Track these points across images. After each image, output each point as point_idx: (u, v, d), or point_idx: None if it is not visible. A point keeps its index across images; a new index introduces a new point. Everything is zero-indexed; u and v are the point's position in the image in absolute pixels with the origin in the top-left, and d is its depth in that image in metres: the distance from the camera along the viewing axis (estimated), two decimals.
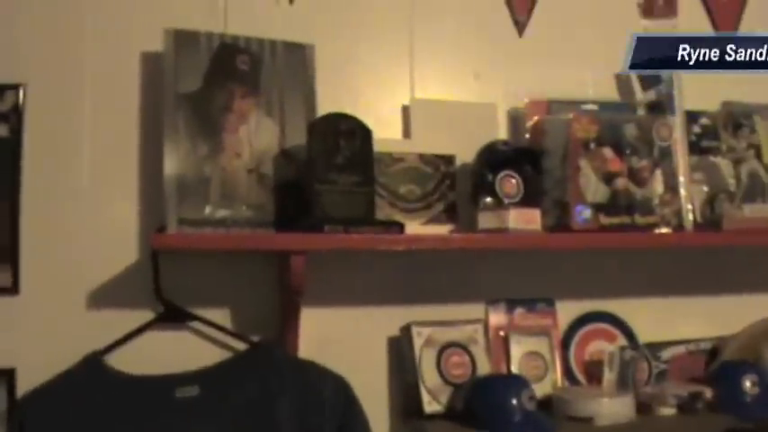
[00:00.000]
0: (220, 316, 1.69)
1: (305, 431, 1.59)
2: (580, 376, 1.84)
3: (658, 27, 1.92)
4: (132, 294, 1.64)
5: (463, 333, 1.74)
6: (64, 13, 1.65)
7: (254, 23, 1.71)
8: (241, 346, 1.67)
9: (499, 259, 1.81)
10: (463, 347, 1.73)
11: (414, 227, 1.70)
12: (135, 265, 1.65)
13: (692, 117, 1.91)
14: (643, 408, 1.71)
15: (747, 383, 1.73)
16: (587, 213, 1.69)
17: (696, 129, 1.91)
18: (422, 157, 1.74)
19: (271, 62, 1.69)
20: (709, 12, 2.01)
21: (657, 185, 1.76)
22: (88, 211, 1.64)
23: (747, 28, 2.03)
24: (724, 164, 1.90)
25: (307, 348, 1.68)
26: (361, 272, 1.75)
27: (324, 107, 1.70)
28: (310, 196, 1.57)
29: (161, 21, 1.62)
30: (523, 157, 1.72)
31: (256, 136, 1.66)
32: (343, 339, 1.73)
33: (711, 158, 1.90)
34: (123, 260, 1.65)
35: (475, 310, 1.80)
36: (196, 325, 1.67)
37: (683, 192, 1.83)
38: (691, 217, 1.82)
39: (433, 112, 1.79)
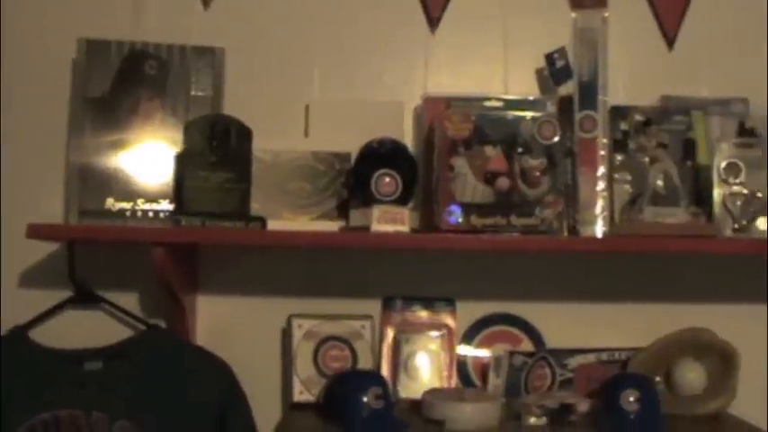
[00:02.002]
0: (131, 300, 1.84)
1: (188, 413, 1.70)
2: (476, 379, 1.81)
3: (588, 18, 1.83)
4: (57, 277, 1.82)
5: (348, 328, 1.77)
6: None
7: (170, 30, 1.83)
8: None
9: (400, 256, 1.82)
10: (345, 342, 1.76)
11: (303, 222, 1.76)
12: (59, 250, 1.84)
13: (621, 112, 1.81)
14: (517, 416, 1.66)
15: (629, 399, 1.62)
16: (457, 214, 1.67)
17: (623, 126, 1.80)
18: (315, 154, 1.79)
19: (180, 66, 1.80)
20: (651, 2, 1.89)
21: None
22: (22, 203, 1.84)
23: (695, 16, 1.88)
24: (668, 163, 1.78)
25: (203, 336, 1.81)
26: (259, 263, 1.83)
27: (232, 108, 1.79)
28: (178, 192, 1.69)
29: (83, 30, 1.78)
30: (401, 156, 1.72)
31: (160, 136, 1.79)
32: (240, 329, 1.83)
33: (639, 158, 1.79)
34: (50, 246, 1.84)
35: (372, 305, 1.82)
36: (106, 306, 1.83)
37: (599, 192, 1.75)
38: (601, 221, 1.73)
39: (333, 111, 1.82)
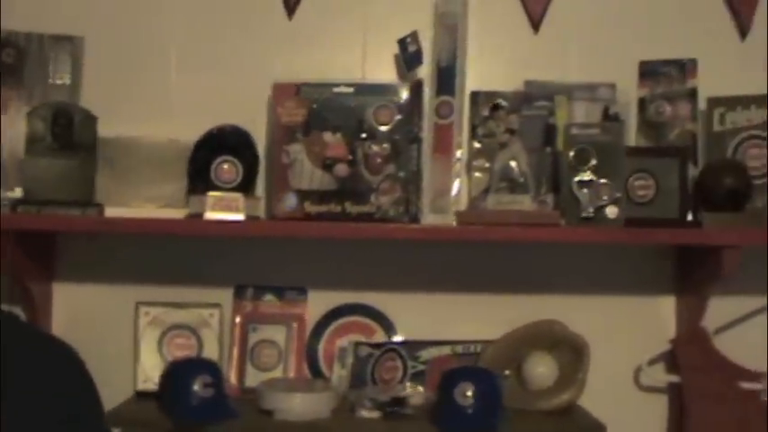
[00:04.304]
0: None
1: (36, 404, 1.69)
2: (326, 370, 1.77)
3: (449, 2, 1.78)
4: None
5: (195, 316, 1.76)
6: None
7: (28, 18, 1.81)
8: None
9: (253, 244, 1.79)
10: (192, 330, 1.75)
11: (150, 210, 1.75)
12: None
13: (482, 98, 1.77)
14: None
15: (465, 393, 1.58)
16: (292, 201, 1.64)
17: (485, 112, 1.76)
18: (166, 141, 1.77)
19: (38, 54, 1.81)
20: None
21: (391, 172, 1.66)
22: None
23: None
24: (516, 149, 1.73)
25: (60, 324, 1.81)
26: (115, 251, 1.81)
27: (91, 95, 1.80)
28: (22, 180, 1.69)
29: None
30: (242, 143, 1.69)
31: (15, 126, 1.79)
32: (95, 316, 1.82)
33: (490, 144, 1.74)
34: None
35: (224, 294, 1.80)
36: None
37: (453, 179, 1.71)
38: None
39: (189, 98, 1.82)
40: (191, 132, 1.75)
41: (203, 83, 1.83)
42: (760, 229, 1.65)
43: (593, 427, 1.60)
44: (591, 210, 1.63)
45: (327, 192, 1.65)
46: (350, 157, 1.66)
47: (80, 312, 1.82)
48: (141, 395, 1.72)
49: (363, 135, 1.67)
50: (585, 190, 1.64)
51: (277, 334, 1.76)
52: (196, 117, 1.77)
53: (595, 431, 1.60)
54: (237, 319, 1.78)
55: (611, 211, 1.63)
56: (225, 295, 1.80)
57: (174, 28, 1.84)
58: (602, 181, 1.63)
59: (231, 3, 1.85)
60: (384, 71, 1.82)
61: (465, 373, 1.62)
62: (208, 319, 1.76)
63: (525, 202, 1.65)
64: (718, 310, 1.77)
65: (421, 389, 1.69)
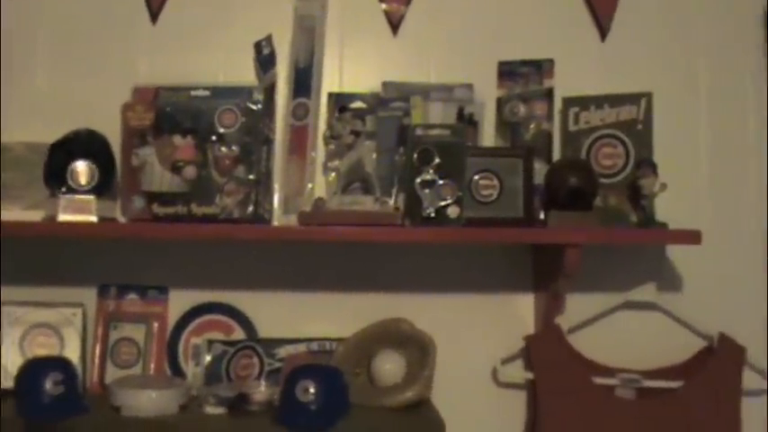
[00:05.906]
0: None
1: None
2: (185, 366, 1.81)
3: (308, 5, 1.82)
4: None
5: (58, 315, 1.79)
6: None
7: None
8: None
9: (120, 245, 1.83)
10: (54, 329, 1.79)
11: (15, 212, 1.78)
12: None
13: (340, 100, 1.80)
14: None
15: (305, 390, 1.60)
16: (139, 203, 1.68)
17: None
18: (30, 145, 1.81)
19: None
20: None
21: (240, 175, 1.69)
22: None
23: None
24: (366, 151, 1.76)
25: None
26: None
27: None
28: None
29: None
30: (97, 147, 1.73)
31: None
32: None
33: (340, 145, 1.77)
34: None
35: (89, 293, 1.84)
36: None
37: (306, 180, 1.74)
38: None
39: (53, 102, 1.85)
40: (57, 135, 1.78)
41: (69, 86, 1.86)
42: (605, 227, 1.69)
43: (433, 425, 1.62)
44: (432, 209, 1.66)
45: (176, 194, 1.68)
46: (199, 160, 1.69)
47: None
48: (2, 393, 1.75)
49: (214, 138, 1.70)
50: (427, 190, 1.66)
51: (136, 332, 1.80)
52: (62, 120, 1.79)
53: (435, 428, 1.62)
54: (101, 318, 1.82)
55: (452, 211, 1.66)
56: (89, 294, 1.84)
57: (40, 32, 1.87)
58: (442, 181, 1.65)
59: (97, 7, 1.87)
60: (246, 74, 1.85)
61: (307, 370, 1.65)
62: (70, 318, 1.79)
63: (367, 203, 1.68)
64: (580, 307, 1.81)
65: (267, 386, 1.71)
